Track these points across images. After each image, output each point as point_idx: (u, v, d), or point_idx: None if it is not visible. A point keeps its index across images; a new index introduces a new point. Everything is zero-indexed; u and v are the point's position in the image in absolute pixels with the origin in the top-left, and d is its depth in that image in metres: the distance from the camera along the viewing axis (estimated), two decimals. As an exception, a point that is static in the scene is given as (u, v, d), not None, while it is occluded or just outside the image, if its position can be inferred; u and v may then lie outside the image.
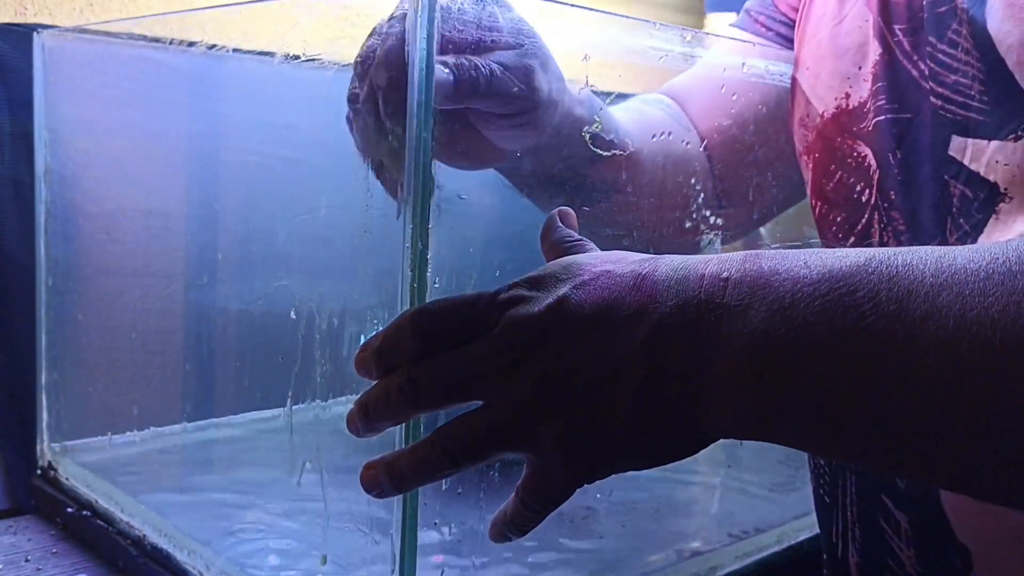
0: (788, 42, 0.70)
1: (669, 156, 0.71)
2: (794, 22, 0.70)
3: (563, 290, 0.42)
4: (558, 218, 0.52)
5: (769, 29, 0.73)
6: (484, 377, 0.43)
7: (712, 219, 0.74)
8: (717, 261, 0.41)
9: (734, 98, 0.76)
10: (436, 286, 0.50)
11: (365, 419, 0.46)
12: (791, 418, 0.38)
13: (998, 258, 0.35)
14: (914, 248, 0.38)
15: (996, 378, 0.33)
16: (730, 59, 0.73)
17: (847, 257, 0.38)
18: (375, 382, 0.46)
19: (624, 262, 0.43)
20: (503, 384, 0.42)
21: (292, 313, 0.69)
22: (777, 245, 0.77)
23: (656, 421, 0.40)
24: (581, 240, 0.50)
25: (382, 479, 0.46)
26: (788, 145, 0.70)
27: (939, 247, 0.37)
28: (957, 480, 0.37)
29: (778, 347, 0.37)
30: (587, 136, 0.65)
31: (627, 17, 0.62)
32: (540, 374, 0.41)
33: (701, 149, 0.74)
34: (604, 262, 0.43)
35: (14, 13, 0.85)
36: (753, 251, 0.41)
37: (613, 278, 0.42)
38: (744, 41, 0.73)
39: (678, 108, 0.76)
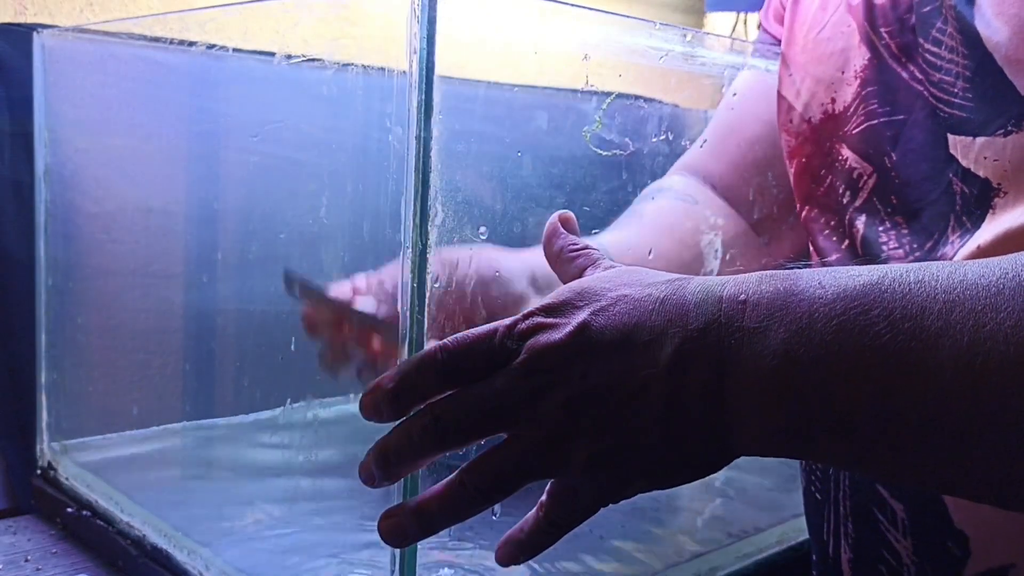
0: None
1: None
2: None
3: (583, 316, 0.42)
4: (560, 224, 0.52)
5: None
6: (511, 407, 0.43)
7: (712, 219, 0.74)
8: (734, 283, 0.41)
9: (734, 97, 0.76)
10: (436, 286, 0.50)
11: (385, 466, 0.45)
12: (813, 435, 0.39)
13: (1008, 272, 0.36)
14: (925, 264, 0.38)
15: (1011, 391, 0.34)
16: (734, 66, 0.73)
17: (860, 276, 0.38)
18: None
19: (639, 285, 0.43)
20: (530, 412, 0.42)
21: (291, 313, 0.69)
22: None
23: (682, 440, 0.41)
24: (587, 248, 0.50)
25: (408, 525, 0.45)
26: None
27: (949, 263, 0.38)
28: (979, 491, 0.38)
29: (798, 367, 0.38)
30: (587, 136, 0.65)
31: (627, 17, 0.61)
32: (567, 399, 0.41)
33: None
34: (619, 286, 0.44)
35: (14, 13, 0.85)
36: (768, 272, 0.42)
37: (632, 302, 0.42)
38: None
39: (694, 181, 0.77)
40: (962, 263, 0.38)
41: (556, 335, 0.42)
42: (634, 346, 0.41)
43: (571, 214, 0.53)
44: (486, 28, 0.57)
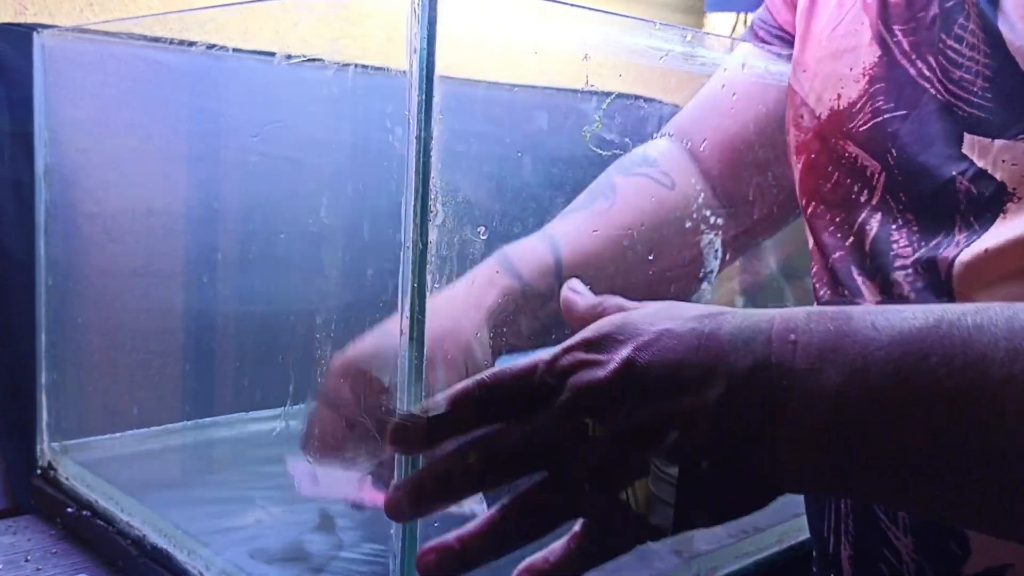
0: (786, 56, 0.71)
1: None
2: (790, 34, 0.71)
3: (625, 352, 0.41)
4: (571, 294, 0.51)
5: (766, 42, 0.73)
6: (556, 445, 0.42)
7: (712, 219, 0.74)
8: (780, 319, 0.41)
9: (734, 97, 0.76)
10: (436, 286, 0.50)
11: (418, 502, 0.44)
12: (864, 476, 0.39)
13: None
14: (980, 307, 0.38)
15: None
16: (733, 66, 0.73)
17: (915, 319, 0.38)
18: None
19: (680, 318, 0.42)
20: (575, 450, 0.41)
21: (291, 313, 0.69)
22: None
23: (728, 479, 0.41)
24: (605, 298, 0.49)
25: (448, 562, 0.44)
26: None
27: (1004, 305, 0.38)
28: None
29: (852, 411, 0.38)
30: (587, 136, 0.65)
31: (627, 17, 0.62)
32: (612, 438, 0.41)
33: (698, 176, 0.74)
34: (660, 320, 0.43)
35: (14, 13, 0.85)
36: (816, 308, 0.41)
37: (676, 337, 0.41)
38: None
39: (678, 152, 0.76)
40: (1013, 305, 0.37)
41: (600, 372, 0.41)
42: (680, 383, 0.40)
43: (577, 281, 0.52)
44: (486, 28, 0.57)
